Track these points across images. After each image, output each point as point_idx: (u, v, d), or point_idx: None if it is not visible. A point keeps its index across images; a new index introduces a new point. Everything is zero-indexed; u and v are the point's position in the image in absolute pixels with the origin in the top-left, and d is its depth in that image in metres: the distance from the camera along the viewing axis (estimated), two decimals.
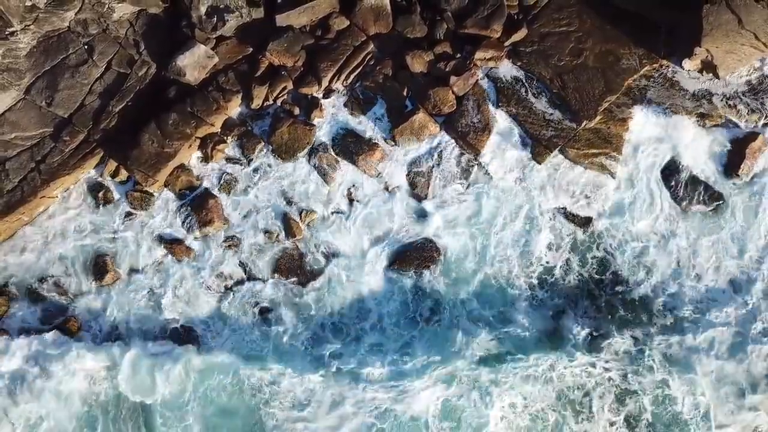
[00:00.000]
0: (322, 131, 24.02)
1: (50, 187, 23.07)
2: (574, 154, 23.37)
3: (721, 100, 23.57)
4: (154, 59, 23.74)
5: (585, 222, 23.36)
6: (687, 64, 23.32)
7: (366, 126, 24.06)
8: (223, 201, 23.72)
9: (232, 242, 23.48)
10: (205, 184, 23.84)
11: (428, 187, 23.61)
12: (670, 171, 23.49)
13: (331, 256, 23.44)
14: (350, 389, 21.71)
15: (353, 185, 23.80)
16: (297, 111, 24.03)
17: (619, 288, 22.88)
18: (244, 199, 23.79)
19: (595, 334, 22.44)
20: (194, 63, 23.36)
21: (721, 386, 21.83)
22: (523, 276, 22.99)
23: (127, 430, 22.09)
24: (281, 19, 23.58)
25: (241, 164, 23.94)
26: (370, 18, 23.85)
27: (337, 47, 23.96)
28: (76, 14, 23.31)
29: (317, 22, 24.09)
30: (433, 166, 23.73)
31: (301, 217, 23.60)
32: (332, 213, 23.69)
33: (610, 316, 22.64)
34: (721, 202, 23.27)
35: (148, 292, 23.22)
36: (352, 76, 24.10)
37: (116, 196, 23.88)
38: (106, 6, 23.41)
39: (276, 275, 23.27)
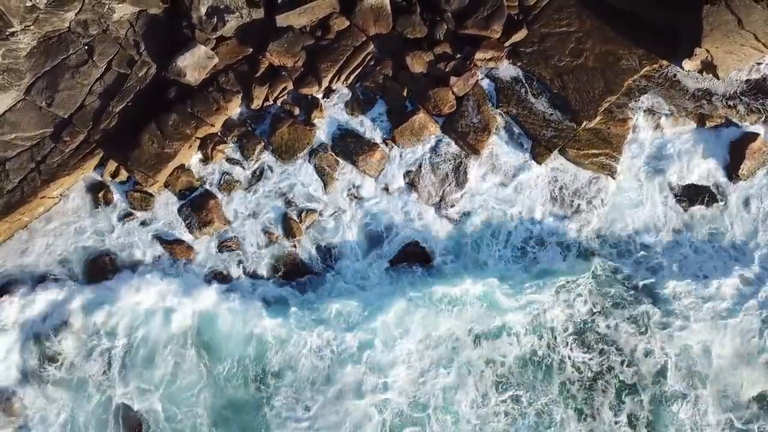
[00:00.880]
0: (322, 131, 24.05)
1: (50, 187, 23.06)
2: (574, 155, 23.39)
3: (721, 101, 23.61)
4: (154, 60, 23.75)
5: None
6: (687, 64, 23.32)
7: (366, 126, 24.07)
8: (224, 201, 23.74)
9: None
10: (205, 184, 23.87)
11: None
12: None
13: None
14: None
15: (353, 185, 23.82)
16: (297, 111, 24.04)
17: None
18: (244, 199, 23.78)
19: None
20: (194, 63, 23.37)
21: None
22: None
23: None
24: (281, 20, 23.60)
25: (241, 165, 23.93)
26: (370, 18, 23.86)
27: (337, 48, 23.98)
28: (76, 15, 23.33)
29: (317, 22, 24.11)
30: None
31: (301, 217, 23.60)
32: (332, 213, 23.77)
33: None
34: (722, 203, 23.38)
35: None
36: (352, 77, 24.11)
37: (117, 196, 23.93)
38: (107, 6, 23.42)
39: None
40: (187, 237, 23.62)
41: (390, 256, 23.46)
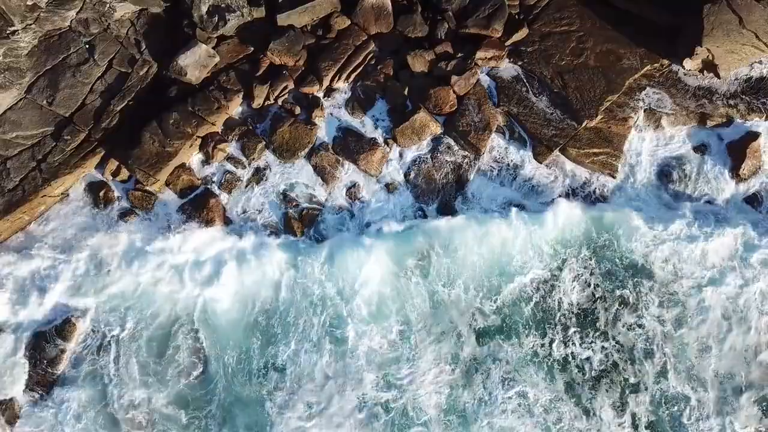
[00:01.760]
0: (323, 131, 24.05)
1: (51, 186, 23.06)
2: (575, 154, 23.38)
3: (722, 100, 23.61)
4: (155, 58, 23.76)
5: None
6: (688, 63, 23.35)
7: (367, 125, 24.06)
8: (224, 200, 23.74)
9: None
10: (206, 183, 23.87)
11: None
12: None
13: None
14: None
15: (354, 185, 23.81)
16: (298, 110, 24.04)
17: None
18: (245, 199, 23.79)
19: None
20: (195, 62, 23.38)
21: None
22: None
23: None
24: (282, 19, 23.62)
25: (242, 164, 23.92)
26: (371, 17, 23.87)
27: (338, 47, 23.99)
28: (77, 13, 23.34)
29: (318, 21, 24.14)
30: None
31: (302, 216, 23.60)
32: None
33: None
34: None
35: None
36: (353, 76, 24.14)
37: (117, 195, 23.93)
38: (108, 5, 23.44)
39: None
40: None
41: None
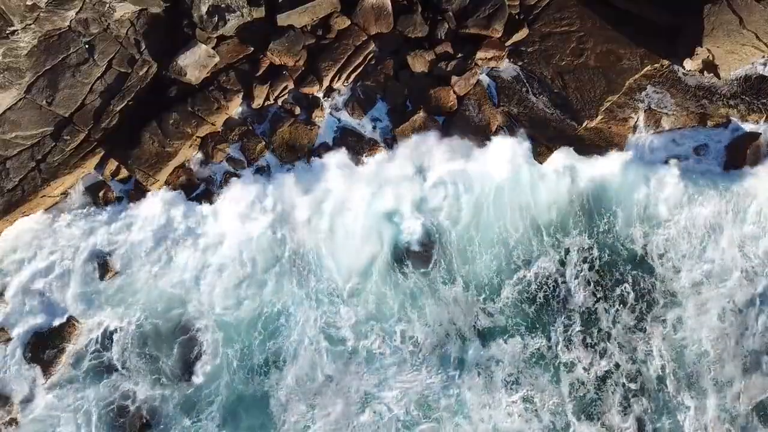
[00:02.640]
0: (323, 131, 24.04)
1: (51, 186, 23.03)
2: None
3: (722, 100, 23.60)
4: (155, 59, 23.72)
5: None
6: (688, 64, 23.33)
7: (367, 125, 24.03)
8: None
9: None
10: (206, 183, 23.84)
11: None
12: None
13: None
14: None
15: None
16: (298, 111, 24.01)
17: None
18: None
19: None
20: (195, 62, 23.35)
21: None
22: None
23: None
24: (282, 19, 23.58)
25: (242, 164, 23.88)
26: (371, 18, 23.85)
27: (338, 47, 23.96)
28: (77, 13, 23.29)
29: (318, 21, 24.10)
30: None
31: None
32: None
33: None
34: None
35: None
36: (353, 76, 24.10)
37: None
38: (107, 5, 23.39)
39: None
40: None
41: None
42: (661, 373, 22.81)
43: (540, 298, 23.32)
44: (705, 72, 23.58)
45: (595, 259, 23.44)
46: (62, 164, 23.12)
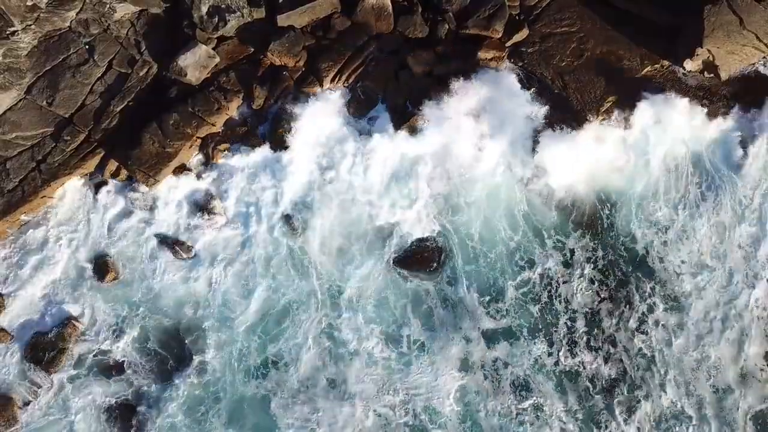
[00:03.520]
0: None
1: (51, 186, 23.04)
2: None
3: (723, 100, 23.60)
4: (155, 59, 23.72)
5: None
6: (688, 64, 23.33)
7: (367, 126, 24.03)
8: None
9: None
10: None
11: None
12: None
13: None
14: None
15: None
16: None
17: None
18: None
19: None
20: (195, 63, 23.34)
21: None
22: None
23: None
24: (282, 20, 23.58)
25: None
26: (372, 18, 23.84)
27: (338, 47, 23.96)
28: (77, 14, 23.29)
29: (318, 22, 24.08)
30: None
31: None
32: None
33: None
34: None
35: None
36: (353, 77, 24.09)
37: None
38: (108, 6, 23.39)
39: None
40: None
41: None
42: None
43: None
44: (705, 73, 23.57)
45: None
46: (62, 165, 23.13)
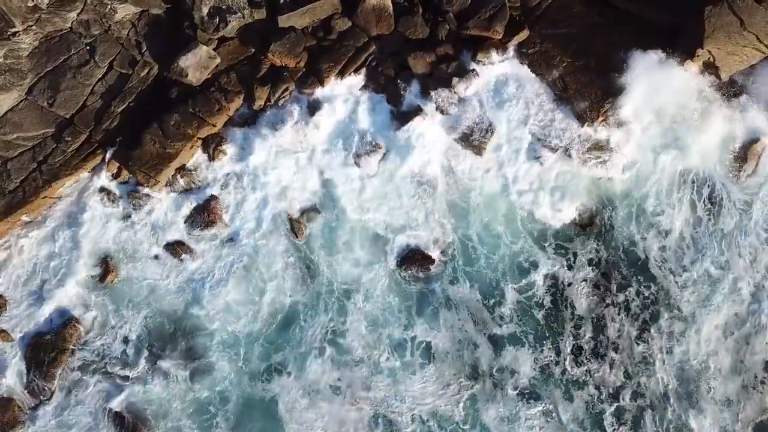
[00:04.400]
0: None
1: (52, 187, 23.07)
2: None
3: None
4: (156, 60, 23.75)
5: None
6: (689, 65, 23.32)
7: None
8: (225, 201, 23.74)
9: None
10: (207, 183, 23.86)
11: None
12: None
13: None
14: None
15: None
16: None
17: None
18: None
19: None
20: (196, 64, 23.37)
21: None
22: None
23: None
24: (283, 20, 23.59)
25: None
26: (372, 19, 23.85)
27: (339, 48, 23.98)
28: (78, 15, 23.33)
29: (319, 23, 24.10)
30: None
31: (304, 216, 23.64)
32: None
33: None
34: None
35: None
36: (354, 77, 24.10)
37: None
38: (108, 7, 23.42)
39: None
40: None
41: None
42: None
43: None
44: (705, 73, 23.57)
45: None
46: (63, 165, 23.17)
